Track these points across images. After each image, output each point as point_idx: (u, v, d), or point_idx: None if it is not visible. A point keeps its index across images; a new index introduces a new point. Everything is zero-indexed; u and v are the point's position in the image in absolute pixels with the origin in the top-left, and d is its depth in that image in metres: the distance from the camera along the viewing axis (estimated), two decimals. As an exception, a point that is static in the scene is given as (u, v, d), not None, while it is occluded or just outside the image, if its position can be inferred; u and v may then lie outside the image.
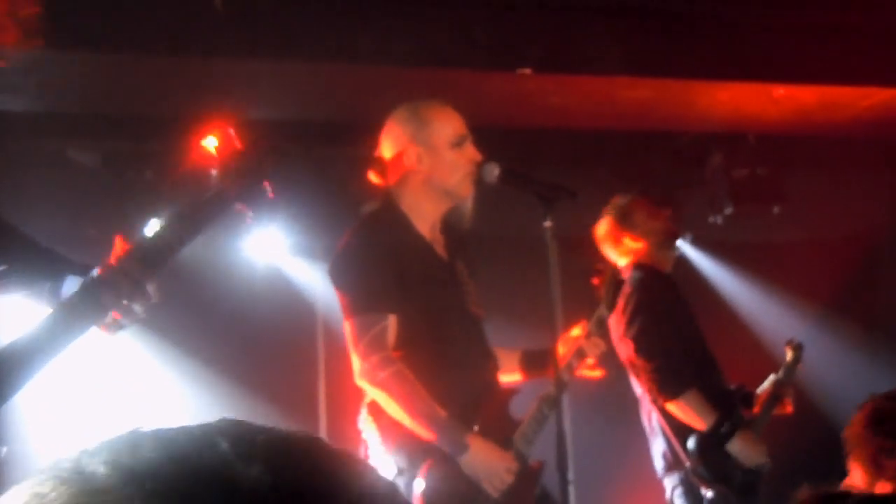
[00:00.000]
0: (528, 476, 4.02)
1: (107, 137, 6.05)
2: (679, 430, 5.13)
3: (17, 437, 5.79)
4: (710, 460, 5.05)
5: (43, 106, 5.54)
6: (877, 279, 8.43)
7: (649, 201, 5.43)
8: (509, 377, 4.33)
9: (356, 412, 4.05)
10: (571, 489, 4.83)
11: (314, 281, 7.05)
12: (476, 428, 3.88)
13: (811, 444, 7.33)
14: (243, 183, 2.65)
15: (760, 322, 8.07)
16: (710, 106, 5.96)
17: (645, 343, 5.12)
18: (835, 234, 8.22)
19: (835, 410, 7.30)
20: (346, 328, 3.93)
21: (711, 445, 5.05)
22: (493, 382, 4.13)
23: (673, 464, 5.21)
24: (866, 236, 8.37)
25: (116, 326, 2.63)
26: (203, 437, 0.72)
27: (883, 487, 3.16)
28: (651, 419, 5.29)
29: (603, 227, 5.39)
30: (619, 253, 5.36)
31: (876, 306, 8.40)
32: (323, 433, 6.95)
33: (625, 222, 5.32)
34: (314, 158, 6.56)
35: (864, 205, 7.78)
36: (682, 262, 8.10)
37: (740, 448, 5.12)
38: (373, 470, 0.81)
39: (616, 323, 5.13)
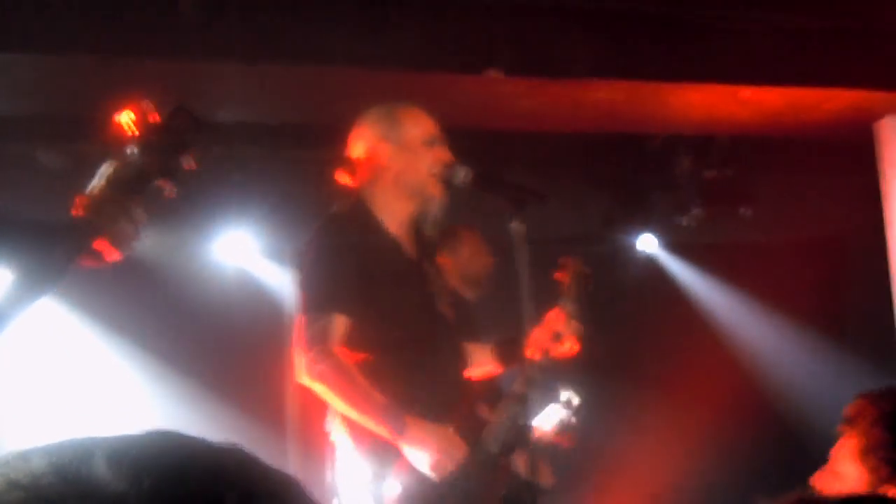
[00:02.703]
0: (496, 476, 4.02)
1: (75, 139, 6.01)
2: None
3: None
4: None
5: (10, 109, 5.51)
6: (845, 281, 8.48)
7: None
8: (483, 370, 4.33)
9: (324, 414, 4.02)
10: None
11: (283, 283, 7.03)
12: (451, 430, 3.86)
13: (778, 448, 7.39)
14: (162, 157, 2.58)
15: (728, 323, 8.10)
16: (678, 108, 5.98)
17: None
18: (803, 236, 8.27)
19: (801, 414, 7.35)
20: (295, 325, 3.90)
21: None
22: (463, 383, 4.13)
23: None
24: (834, 238, 8.42)
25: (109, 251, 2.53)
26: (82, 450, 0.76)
27: (879, 486, 3.09)
28: None
29: None
30: None
31: (844, 308, 8.45)
32: (291, 435, 6.94)
33: None
34: (284, 161, 6.55)
35: (832, 207, 7.82)
36: (652, 263, 8.15)
37: None
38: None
39: None
